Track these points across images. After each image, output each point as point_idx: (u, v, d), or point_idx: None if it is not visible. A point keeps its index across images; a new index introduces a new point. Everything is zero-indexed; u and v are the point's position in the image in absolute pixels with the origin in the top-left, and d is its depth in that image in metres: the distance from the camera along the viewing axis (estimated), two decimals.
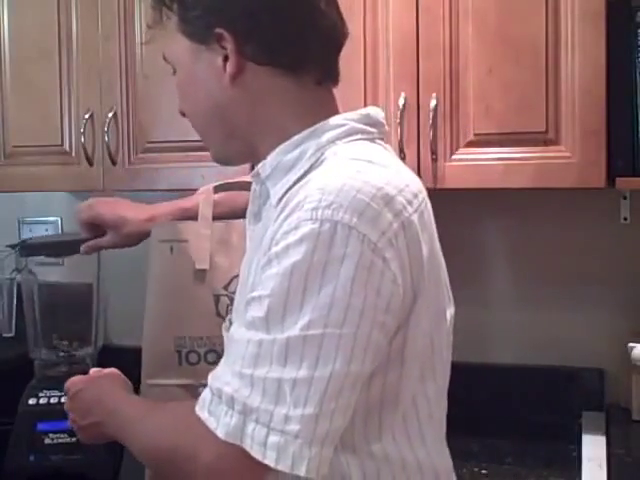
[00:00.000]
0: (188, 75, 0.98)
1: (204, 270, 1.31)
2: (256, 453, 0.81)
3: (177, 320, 1.31)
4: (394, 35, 1.53)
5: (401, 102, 1.51)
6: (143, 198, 1.91)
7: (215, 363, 1.32)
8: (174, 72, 1.01)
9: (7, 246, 1.51)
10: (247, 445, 0.82)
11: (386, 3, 1.54)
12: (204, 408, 0.86)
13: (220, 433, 0.83)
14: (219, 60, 0.93)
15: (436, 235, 0.95)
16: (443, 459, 0.99)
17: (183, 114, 1.03)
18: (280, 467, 0.81)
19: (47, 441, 1.52)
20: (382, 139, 0.97)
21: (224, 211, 1.34)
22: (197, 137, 1.03)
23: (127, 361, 1.26)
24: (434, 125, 1.51)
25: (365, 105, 1.52)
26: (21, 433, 1.54)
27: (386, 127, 0.99)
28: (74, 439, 1.51)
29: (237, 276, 1.31)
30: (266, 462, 0.81)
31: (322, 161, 0.91)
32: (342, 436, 0.86)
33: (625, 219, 1.74)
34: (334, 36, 0.97)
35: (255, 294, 0.85)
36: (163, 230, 1.34)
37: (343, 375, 0.82)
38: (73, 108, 1.78)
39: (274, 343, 0.82)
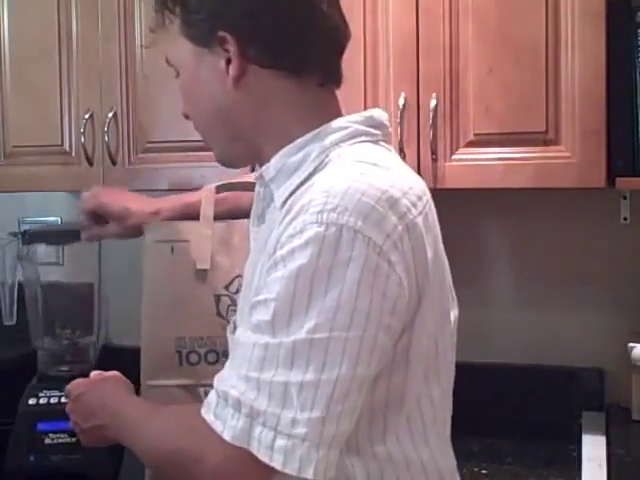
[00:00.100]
0: (191, 78, 0.98)
1: (205, 270, 1.31)
2: (263, 456, 0.82)
3: (177, 320, 1.31)
4: (394, 35, 1.53)
5: (401, 102, 1.51)
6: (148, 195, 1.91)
7: (215, 363, 1.34)
8: (177, 75, 1.01)
9: (9, 233, 1.51)
10: (254, 448, 0.82)
11: (386, 3, 1.54)
12: (210, 411, 0.86)
13: (227, 436, 0.84)
14: (222, 63, 0.93)
15: (440, 237, 0.95)
16: (447, 460, 0.99)
17: (186, 116, 1.03)
18: (287, 470, 0.81)
19: (47, 441, 1.52)
20: (386, 141, 0.97)
21: (229, 208, 1.33)
22: (197, 137, 1.03)
23: (127, 361, 1.27)
24: (434, 125, 1.51)
25: (365, 105, 1.54)
26: (21, 433, 1.54)
27: (390, 129, 0.99)
28: (74, 439, 1.51)
29: (238, 276, 1.32)
30: (273, 465, 0.81)
31: (326, 164, 0.91)
32: (347, 439, 0.86)
33: (625, 219, 1.74)
34: (336, 38, 0.97)
35: (261, 297, 0.85)
36: (161, 231, 1.34)
37: (350, 378, 0.82)
38: (73, 108, 1.78)
39: (280, 347, 0.82)
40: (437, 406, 0.94)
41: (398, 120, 1.51)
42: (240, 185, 1.33)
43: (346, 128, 0.93)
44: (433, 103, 1.50)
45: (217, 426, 0.85)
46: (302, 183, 0.90)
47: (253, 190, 1.34)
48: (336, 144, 0.92)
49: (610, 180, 1.45)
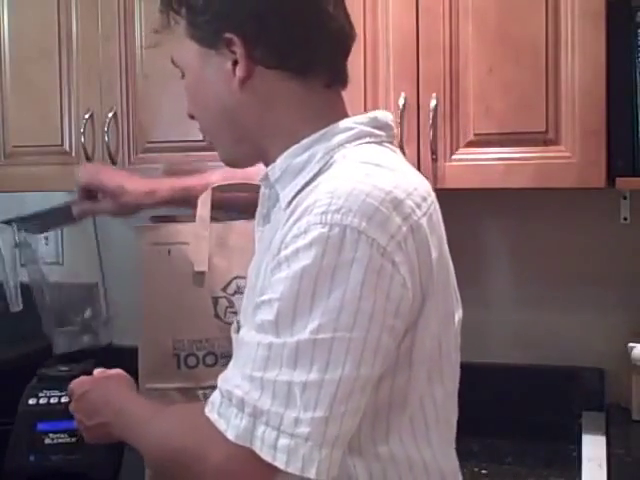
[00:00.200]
0: (197, 79, 0.99)
1: (202, 272, 1.31)
2: (266, 455, 0.82)
3: (175, 323, 1.31)
4: (394, 35, 1.53)
5: (401, 102, 1.51)
6: None
7: (214, 366, 1.34)
8: (182, 76, 1.02)
9: (1, 222, 1.50)
10: (257, 447, 0.82)
11: (386, 3, 1.54)
12: (213, 410, 0.87)
13: (230, 435, 0.84)
14: (228, 64, 0.94)
15: (445, 238, 0.95)
16: (449, 461, 0.99)
17: (192, 117, 1.03)
18: (290, 469, 0.81)
19: (47, 441, 1.52)
20: (390, 142, 0.97)
21: (229, 195, 1.34)
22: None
23: (127, 361, 1.26)
24: (434, 125, 1.51)
25: (365, 105, 1.54)
26: (21, 433, 1.54)
27: (394, 130, 0.99)
28: (74, 439, 1.52)
29: (236, 278, 1.32)
30: (276, 464, 0.82)
31: (331, 164, 0.91)
32: (350, 439, 0.86)
33: (625, 219, 1.74)
34: (342, 39, 0.97)
35: (265, 297, 0.85)
36: (157, 233, 1.34)
37: (353, 378, 0.82)
38: (73, 108, 1.78)
39: (284, 346, 0.82)
40: (440, 407, 0.94)
41: (398, 120, 1.51)
42: (237, 186, 1.33)
43: (351, 129, 0.93)
44: (433, 103, 1.50)
45: (220, 425, 0.85)
46: (307, 184, 0.91)
47: (250, 191, 1.35)
48: (341, 145, 0.92)
49: (610, 180, 1.45)
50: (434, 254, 0.88)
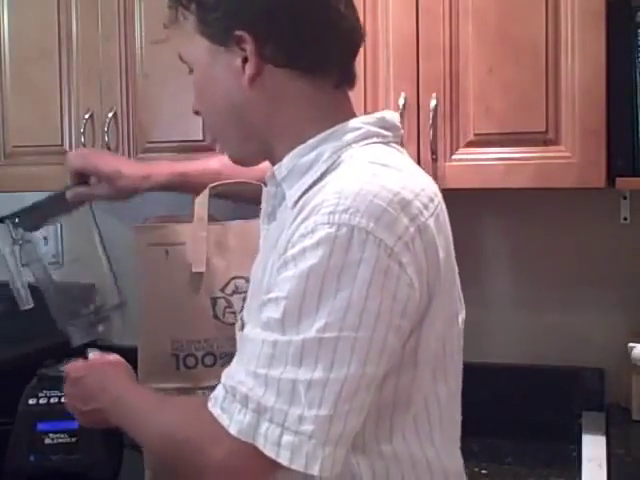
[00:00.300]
0: (206, 76, 0.98)
1: (201, 273, 1.31)
2: (269, 452, 0.82)
3: (174, 324, 1.31)
4: (394, 35, 1.53)
5: (401, 102, 1.51)
6: (144, 198, 1.91)
7: (213, 366, 1.34)
8: (190, 71, 1.01)
9: None
10: (260, 444, 0.83)
11: (386, 3, 1.54)
12: (216, 405, 0.87)
13: (233, 430, 0.84)
14: (238, 61, 0.94)
15: (451, 238, 0.95)
16: (453, 460, 0.99)
17: (197, 113, 1.03)
18: (294, 466, 0.82)
19: (47, 441, 1.52)
20: (397, 142, 0.98)
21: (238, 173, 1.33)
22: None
23: (127, 361, 1.26)
24: (434, 125, 1.50)
25: (365, 105, 1.54)
26: (21, 433, 1.54)
27: (401, 130, 1.00)
28: (74, 439, 1.52)
29: (234, 278, 1.32)
30: (280, 461, 0.82)
31: (338, 164, 0.91)
32: (354, 437, 0.86)
33: (625, 219, 1.74)
34: (352, 39, 0.97)
35: (271, 295, 0.85)
36: (155, 233, 1.34)
37: (358, 377, 0.82)
38: (73, 108, 1.78)
39: (289, 344, 0.82)
40: (444, 406, 0.94)
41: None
42: (236, 185, 1.33)
43: (359, 129, 0.94)
44: (433, 103, 1.50)
45: (223, 420, 0.85)
46: (314, 183, 0.91)
47: (249, 190, 1.35)
48: (349, 145, 0.92)
49: (610, 180, 1.45)
50: (441, 254, 0.89)
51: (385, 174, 0.87)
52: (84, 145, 1.73)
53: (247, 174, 1.19)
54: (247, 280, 1.31)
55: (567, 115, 1.45)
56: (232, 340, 1.28)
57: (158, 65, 1.70)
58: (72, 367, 1.18)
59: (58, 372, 1.61)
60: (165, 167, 1.35)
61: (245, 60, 0.93)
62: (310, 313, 0.82)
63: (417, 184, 0.90)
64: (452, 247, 0.95)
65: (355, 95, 1.51)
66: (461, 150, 1.52)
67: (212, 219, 1.34)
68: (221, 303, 1.31)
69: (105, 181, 1.32)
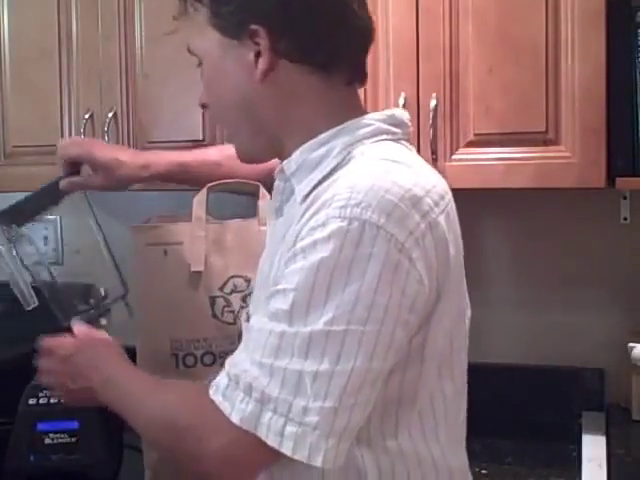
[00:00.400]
0: (217, 69, 0.98)
1: (199, 272, 1.31)
2: (272, 442, 0.82)
3: (173, 323, 1.31)
4: (394, 35, 1.53)
5: (401, 102, 1.51)
6: (143, 197, 1.91)
7: (212, 365, 1.34)
8: (199, 64, 1.01)
9: None
10: (262, 433, 0.83)
11: (386, 3, 1.54)
12: (218, 392, 0.87)
13: (234, 418, 0.84)
14: (250, 56, 0.93)
15: (460, 236, 0.95)
16: (458, 459, 0.99)
17: (204, 106, 1.03)
18: (297, 457, 0.82)
19: (47, 441, 1.52)
20: (406, 140, 0.98)
21: (227, 173, 1.32)
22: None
23: None
24: (434, 125, 1.50)
25: (365, 105, 1.53)
26: (21, 433, 1.53)
27: (410, 128, 1.00)
28: (74, 439, 1.51)
29: (233, 277, 1.32)
30: (283, 451, 0.82)
31: (349, 160, 0.91)
32: (359, 430, 0.87)
33: (625, 219, 1.74)
34: (365, 37, 0.98)
35: (280, 287, 0.85)
36: (152, 233, 1.33)
37: (364, 371, 0.82)
38: (73, 108, 1.78)
39: (296, 336, 0.82)
40: (449, 403, 0.95)
41: None
42: (233, 185, 1.33)
43: (369, 125, 0.94)
44: (433, 103, 1.50)
45: (225, 407, 0.85)
46: (324, 179, 0.91)
47: (246, 191, 1.35)
48: (359, 141, 0.92)
49: (610, 180, 1.45)
50: (451, 251, 0.89)
51: (397, 170, 0.88)
52: None
53: (246, 167, 1.18)
54: (246, 279, 1.31)
55: (567, 115, 1.45)
56: (231, 339, 1.29)
57: (158, 65, 1.70)
58: (61, 343, 1.15)
59: None
60: (164, 157, 1.32)
61: (258, 54, 0.93)
62: (318, 305, 0.82)
63: (428, 181, 0.90)
64: (461, 245, 0.96)
65: None
66: (461, 150, 1.52)
67: (210, 218, 1.34)
68: (220, 302, 1.31)
69: (102, 170, 1.28)
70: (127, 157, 1.29)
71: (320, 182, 0.91)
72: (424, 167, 0.95)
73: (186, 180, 1.33)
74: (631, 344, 1.66)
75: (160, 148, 1.70)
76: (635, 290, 1.75)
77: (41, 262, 1.52)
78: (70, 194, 1.34)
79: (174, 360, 1.33)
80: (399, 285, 0.83)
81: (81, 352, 1.12)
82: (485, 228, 1.85)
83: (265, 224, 1.33)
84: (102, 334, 1.17)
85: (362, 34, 0.97)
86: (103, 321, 1.55)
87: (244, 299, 1.31)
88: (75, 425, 1.52)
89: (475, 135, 1.51)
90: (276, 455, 0.83)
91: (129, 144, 1.74)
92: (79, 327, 1.19)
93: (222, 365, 0.91)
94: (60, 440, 1.52)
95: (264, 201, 1.34)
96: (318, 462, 0.82)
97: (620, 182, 1.45)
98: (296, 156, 0.95)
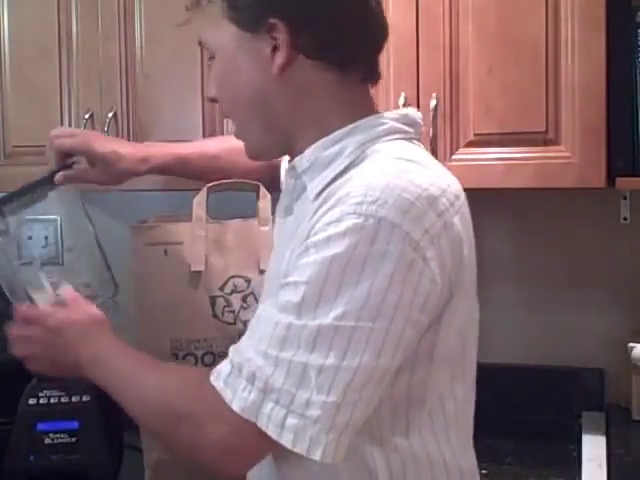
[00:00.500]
0: (230, 63, 0.96)
1: (199, 272, 1.31)
2: (272, 432, 0.82)
3: (173, 323, 1.31)
4: (394, 35, 1.51)
5: (401, 102, 1.51)
6: (143, 197, 1.91)
7: (212, 365, 1.32)
8: (211, 58, 1.00)
9: None
10: (262, 423, 0.82)
11: (386, 3, 1.53)
12: (219, 378, 0.86)
13: (235, 406, 0.84)
14: (267, 50, 0.92)
15: (473, 236, 0.96)
16: (468, 459, 1.00)
17: (213, 100, 1.02)
18: (297, 449, 0.82)
19: (47, 441, 1.52)
20: (418, 139, 0.98)
21: (226, 167, 1.31)
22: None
23: None
24: (434, 125, 1.50)
25: None
26: (21, 433, 1.53)
27: (422, 128, 1.00)
28: (74, 439, 1.51)
29: (233, 277, 1.32)
30: (282, 442, 0.82)
31: (363, 159, 0.90)
32: (370, 429, 0.87)
33: (625, 219, 1.74)
34: (381, 35, 0.97)
35: (290, 279, 0.85)
36: (152, 233, 1.33)
37: (370, 368, 0.82)
38: (73, 108, 1.78)
39: (304, 329, 0.82)
40: (459, 404, 0.95)
41: None
42: (234, 186, 1.33)
43: (383, 124, 0.93)
44: (433, 103, 1.50)
45: (226, 394, 0.85)
46: (337, 177, 0.90)
47: (246, 190, 1.35)
48: (373, 140, 0.92)
49: (610, 180, 1.45)
50: (465, 252, 0.89)
51: (412, 170, 0.87)
52: None
53: (245, 160, 1.17)
54: (246, 279, 1.31)
55: (567, 115, 1.45)
56: (231, 339, 1.28)
57: (158, 65, 1.70)
58: (52, 314, 1.09)
59: None
60: (163, 149, 1.30)
61: (275, 49, 0.92)
62: (329, 300, 0.82)
63: (443, 181, 0.90)
64: (474, 245, 0.95)
65: None
66: (461, 150, 1.52)
67: (210, 218, 1.34)
68: (220, 302, 1.31)
69: (100, 164, 1.24)
70: (125, 150, 1.25)
71: (333, 180, 0.91)
72: (439, 167, 0.94)
73: (185, 173, 1.31)
74: (631, 344, 1.66)
75: None
76: (635, 290, 1.75)
77: (35, 259, 1.49)
78: (59, 188, 1.29)
79: (174, 360, 1.33)
80: (411, 284, 0.82)
81: (72, 325, 1.07)
82: (485, 228, 1.85)
83: (265, 224, 1.33)
84: (92, 307, 1.12)
85: (378, 32, 0.96)
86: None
87: (244, 299, 1.31)
88: (75, 425, 1.52)
89: (475, 135, 1.51)
90: (274, 446, 0.83)
91: None
92: (68, 290, 1.14)
93: None
94: (60, 440, 1.52)
95: (264, 201, 1.34)
96: (317, 456, 0.81)
97: (620, 182, 1.45)
98: (308, 153, 0.94)
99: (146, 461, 1.36)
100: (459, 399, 0.94)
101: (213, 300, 1.31)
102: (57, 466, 1.52)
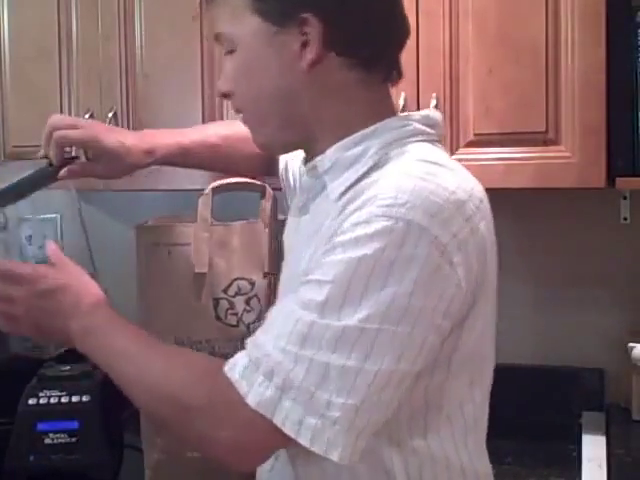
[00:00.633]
0: (254, 57, 0.93)
1: (203, 274, 1.30)
2: (289, 430, 0.81)
3: (176, 324, 1.30)
4: None
5: (401, 102, 1.51)
6: (146, 198, 1.91)
7: None
8: (229, 51, 0.96)
9: None
10: (278, 420, 0.81)
11: None
12: (235, 370, 0.85)
13: (251, 400, 0.82)
14: (296, 45, 0.90)
15: (495, 241, 0.94)
16: (484, 464, 0.99)
17: (225, 95, 0.99)
18: (314, 449, 0.81)
19: (47, 441, 1.52)
20: (439, 142, 0.97)
21: (226, 154, 1.28)
22: None
23: None
24: None
25: None
26: (21, 433, 1.53)
27: (443, 130, 0.99)
28: (74, 439, 1.51)
29: (237, 279, 1.31)
30: (300, 441, 0.81)
31: (387, 160, 0.90)
32: (389, 431, 0.87)
33: (625, 219, 1.74)
34: (405, 35, 0.97)
35: (313, 277, 0.84)
36: (156, 233, 1.33)
37: (391, 372, 0.81)
38: (73, 108, 1.78)
39: (327, 328, 0.81)
40: (478, 408, 0.94)
41: None
42: (238, 185, 1.32)
43: (406, 126, 0.93)
44: (433, 103, 1.50)
45: (241, 387, 0.83)
46: (361, 178, 0.89)
47: (250, 190, 1.34)
48: (396, 141, 0.91)
49: (610, 180, 1.45)
50: (488, 256, 0.88)
51: (439, 173, 0.86)
52: None
53: (245, 150, 1.16)
54: (250, 282, 1.31)
55: (567, 115, 1.45)
56: (233, 341, 1.28)
57: (158, 65, 1.70)
58: (45, 275, 1.01)
59: (58, 372, 1.61)
60: (165, 138, 1.22)
61: (305, 44, 0.90)
62: (353, 301, 0.81)
63: (468, 184, 0.89)
64: (496, 249, 0.94)
65: None
66: (461, 150, 1.52)
67: (215, 219, 1.33)
68: (223, 304, 1.30)
69: (108, 158, 1.16)
70: (131, 142, 1.18)
71: (357, 181, 0.90)
72: (462, 169, 0.93)
73: (185, 164, 1.28)
74: (631, 344, 1.66)
75: None
76: (635, 290, 1.75)
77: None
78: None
79: None
80: (437, 289, 0.82)
81: (66, 293, 1.00)
82: None
83: (270, 226, 1.33)
84: (85, 274, 1.04)
85: (401, 32, 0.96)
86: None
87: (248, 302, 1.31)
88: (75, 425, 1.52)
89: (475, 135, 1.51)
90: (287, 443, 0.82)
91: None
92: (53, 247, 1.06)
93: None
94: (60, 440, 1.52)
95: (270, 202, 1.34)
96: (334, 457, 0.81)
97: (620, 182, 1.45)
98: (330, 153, 0.93)
99: (146, 461, 1.36)
100: (477, 403, 0.94)
101: (216, 302, 1.30)
102: (57, 466, 1.52)
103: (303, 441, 0.81)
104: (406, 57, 1.50)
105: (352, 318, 0.81)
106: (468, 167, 1.50)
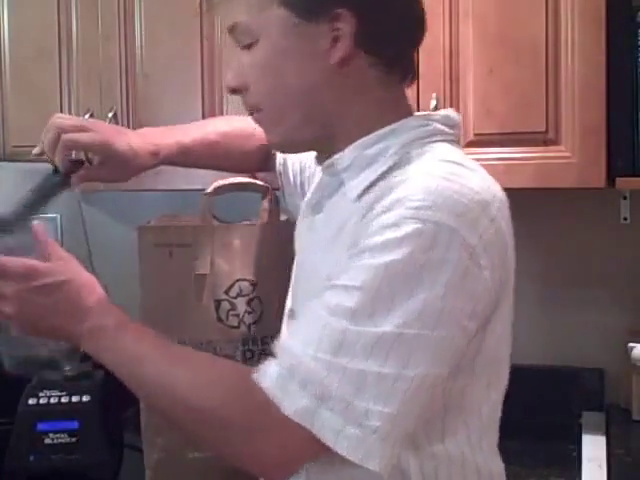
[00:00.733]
0: (278, 50, 0.90)
1: (204, 275, 1.30)
2: (327, 440, 0.80)
3: (177, 326, 1.30)
4: None
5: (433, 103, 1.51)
6: (147, 198, 1.91)
7: None
8: (246, 45, 0.92)
9: None
10: (316, 429, 0.80)
11: None
12: (266, 377, 0.83)
13: (287, 410, 0.80)
14: (326, 40, 0.88)
15: (514, 244, 0.94)
16: (496, 462, 0.99)
17: (234, 91, 0.96)
18: (351, 457, 0.80)
19: (47, 441, 1.52)
20: (458, 141, 0.96)
21: (225, 151, 1.25)
22: None
23: None
24: None
25: None
26: (21, 433, 1.53)
27: (461, 130, 0.98)
28: (74, 439, 1.52)
29: (238, 280, 1.31)
30: (337, 450, 0.79)
31: (408, 160, 0.88)
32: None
33: (625, 219, 1.74)
34: (423, 34, 0.95)
35: (340, 282, 0.83)
36: (159, 233, 1.32)
37: (424, 376, 0.81)
38: (73, 108, 1.78)
39: (360, 335, 0.80)
40: (493, 410, 0.95)
41: None
42: (239, 186, 1.32)
43: (426, 125, 0.92)
44: (433, 103, 1.50)
45: (276, 396, 0.81)
46: (380, 177, 0.88)
47: (251, 190, 1.34)
48: (416, 141, 0.90)
49: (610, 180, 1.45)
50: (509, 257, 0.89)
51: (463, 173, 0.86)
52: None
53: (243, 146, 1.15)
54: (252, 283, 1.30)
55: (567, 115, 1.45)
56: (234, 343, 1.28)
57: (158, 65, 1.70)
58: (49, 270, 0.96)
59: (58, 372, 1.61)
60: (167, 138, 1.18)
61: (335, 40, 0.88)
62: (385, 307, 0.80)
63: (491, 185, 0.89)
64: (514, 251, 0.93)
65: None
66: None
67: (217, 220, 1.33)
68: (225, 306, 1.30)
69: (116, 162, 1.10)
70: (137, 144, 1.12)
71: (377, 180, 0.88)
72: (482, 170, 0.92)
73: (186, 163, 1.25)
74: (631, 344, 1.66)
75: None
76: (635, 290, 1.75)
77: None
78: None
79: None
80: (466, 291, 0.81)
81: (67, 286, 0.96)
82: None
83: (272, 227, 1.32)
84: (89, 275, 1.00)
85: (422, 31, 0.95)
86: None
87: (249, 303, 1.30)
88: (75, 425, 1.52)
89: (475, 135, 1.51)
90: (323, 452, 0.81)
91: None
92: (40, 228, 1.01)
93: None
94: (60, 440, 1.52)
95: (272, 203, 1.33)
96: (371, 466, 0.80)
97: (620, 182, 1.45)
98: (349, 152, 0.92)
99: (146, 461, 1.36)
100: (493, 404, 0.94)
101: (218, 303, 1.29)
102: (57, 466, 1.52)
103: (340, 450, 0.79)
104: None
105: (388, 324, 0.79)
106: None
